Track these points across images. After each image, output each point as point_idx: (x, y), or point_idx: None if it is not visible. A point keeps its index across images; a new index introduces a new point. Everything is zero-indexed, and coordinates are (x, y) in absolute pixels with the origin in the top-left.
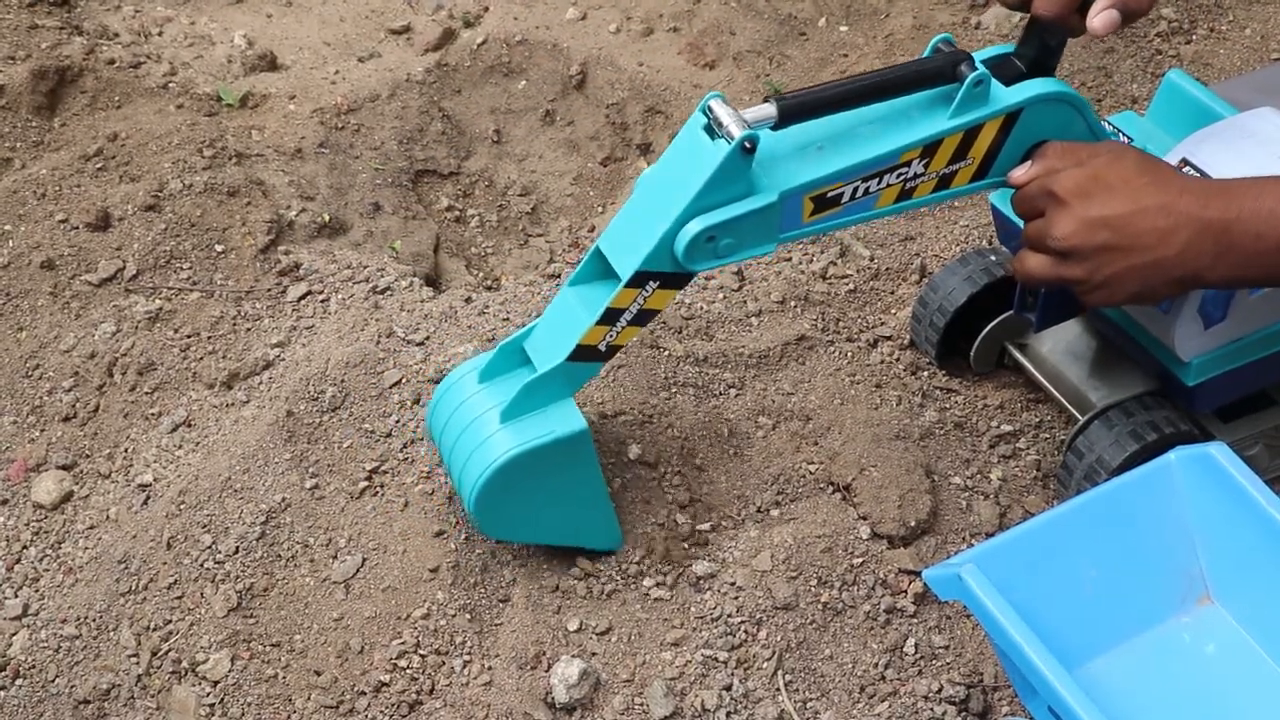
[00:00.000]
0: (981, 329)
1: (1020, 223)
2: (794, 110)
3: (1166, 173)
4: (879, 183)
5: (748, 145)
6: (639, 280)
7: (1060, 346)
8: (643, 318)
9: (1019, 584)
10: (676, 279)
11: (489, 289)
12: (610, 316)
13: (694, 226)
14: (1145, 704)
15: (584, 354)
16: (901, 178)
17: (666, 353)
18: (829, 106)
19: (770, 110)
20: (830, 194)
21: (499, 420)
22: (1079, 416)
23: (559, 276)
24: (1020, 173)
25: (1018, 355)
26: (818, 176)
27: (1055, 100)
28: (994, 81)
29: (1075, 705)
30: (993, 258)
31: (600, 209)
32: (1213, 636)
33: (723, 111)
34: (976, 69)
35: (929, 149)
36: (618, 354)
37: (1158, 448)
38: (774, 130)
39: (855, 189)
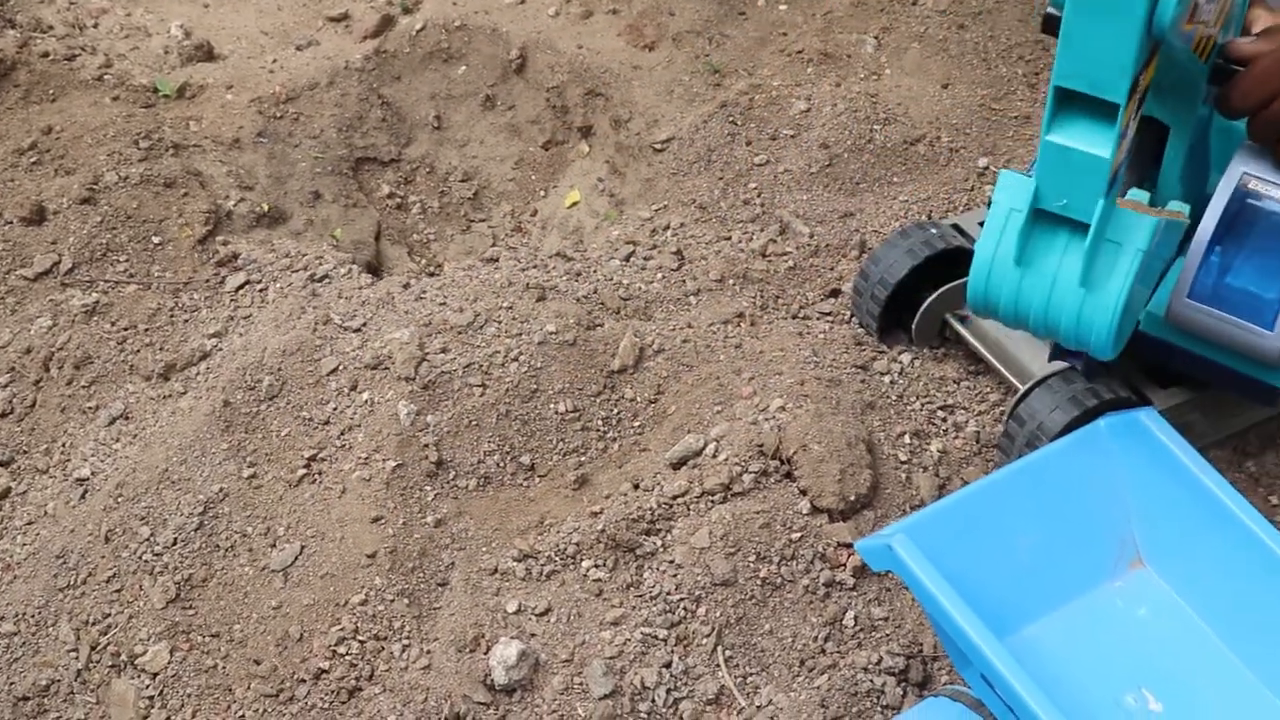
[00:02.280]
0: (922, 302)
1: None
2: None
3: None
4: None
5: None
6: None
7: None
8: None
9: (951, 553)
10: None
11: (431, 275)
12: (1123, 140)
13: None
14: (1079, 669)
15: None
16: None
17: (604, 337)
18: None
19: None
20: None
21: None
22: (1020, 386)
23: (496, 260)
24: (1248, 43)
25: (959, 327)
26: None
27: None
28: None
29: (1006, 672)
30: (933, 230)
31: (542, 192)
32: (1145, 600)
33: None
34: None
35: None
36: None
37: (1098, 414)
38: None
39: None
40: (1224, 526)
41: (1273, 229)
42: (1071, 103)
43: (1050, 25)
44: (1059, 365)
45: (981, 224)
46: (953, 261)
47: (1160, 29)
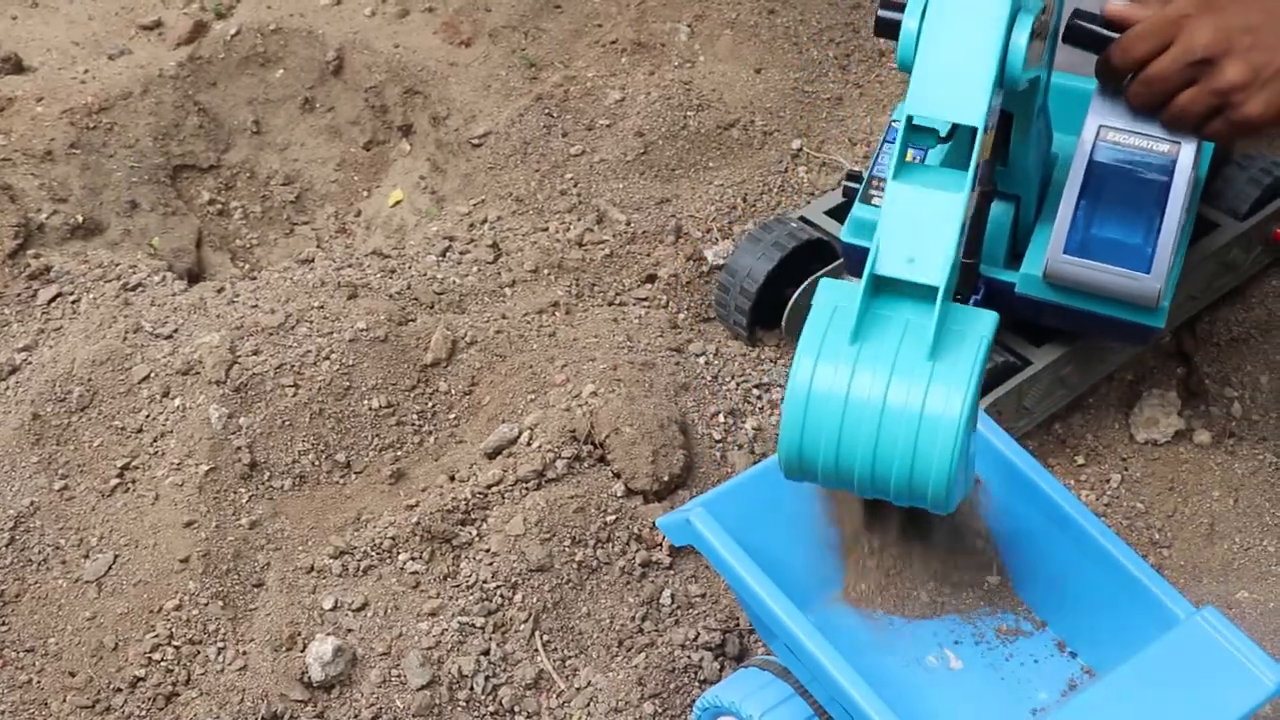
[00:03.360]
0: (787, 298)
1: None
2: None
3: None
4: None
5: None
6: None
7: None
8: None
9: (754, 526)
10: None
11: (250, 279)
12: (976, 175)
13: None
14: (882, 634)
15: (962, 238)
16: None
17: (417, 332)
18: None
19: None
20: None
21: (928, 358)
22: None
23: (311, 261)
24: (1118, 6)
25: None
26: None
27: None
28: None
29: (805, 639)
30: (789, 225)
31: (366, 193)
32: None
33: None
34: None
35: None
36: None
37: (989, 380)
38: None
39: None
40: (1014, 484)
41: (1133, 178)
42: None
43: (884, 28)
44: None
45: (828, 213)
46: (811, 255)
47: (1013, 81)
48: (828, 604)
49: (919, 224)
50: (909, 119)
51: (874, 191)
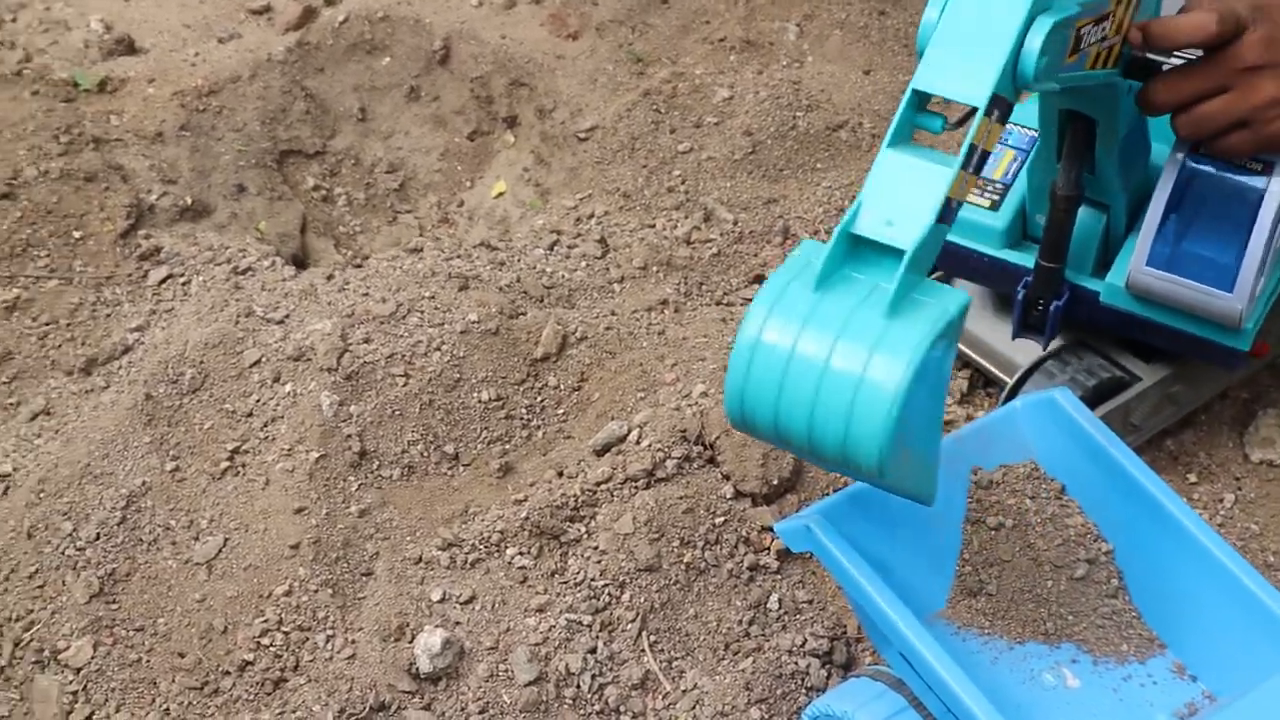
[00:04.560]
0: None
1: None
2: None
3: None
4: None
5: None
6: (995, 105)
7: (972, 313)
8: (981, 163)
9: (869, 533)
10: (1007, 110)
11: (356, 267)
12: (971, 157)
13: (1046, 22)
14: (997, 649)
15: (947, 212)
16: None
17: (527, 326)
18: None
19: None
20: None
21: (885, 317)
22: (1004, 377)
23: (420, 250)
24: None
25: None
26: None
27: None
28: None
29: (925, 651)
30: None
31: (469, 183)
32: None
33: None
34: None
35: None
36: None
37: (1096, 394)
38: None
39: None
40: (1139, 503)
41: (1223, 194)
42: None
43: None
44: (1045, 351)
45: None
46: None
47: (1024, 82)
48: (939, 616)
49: (902, 191)
50: (913, 92)
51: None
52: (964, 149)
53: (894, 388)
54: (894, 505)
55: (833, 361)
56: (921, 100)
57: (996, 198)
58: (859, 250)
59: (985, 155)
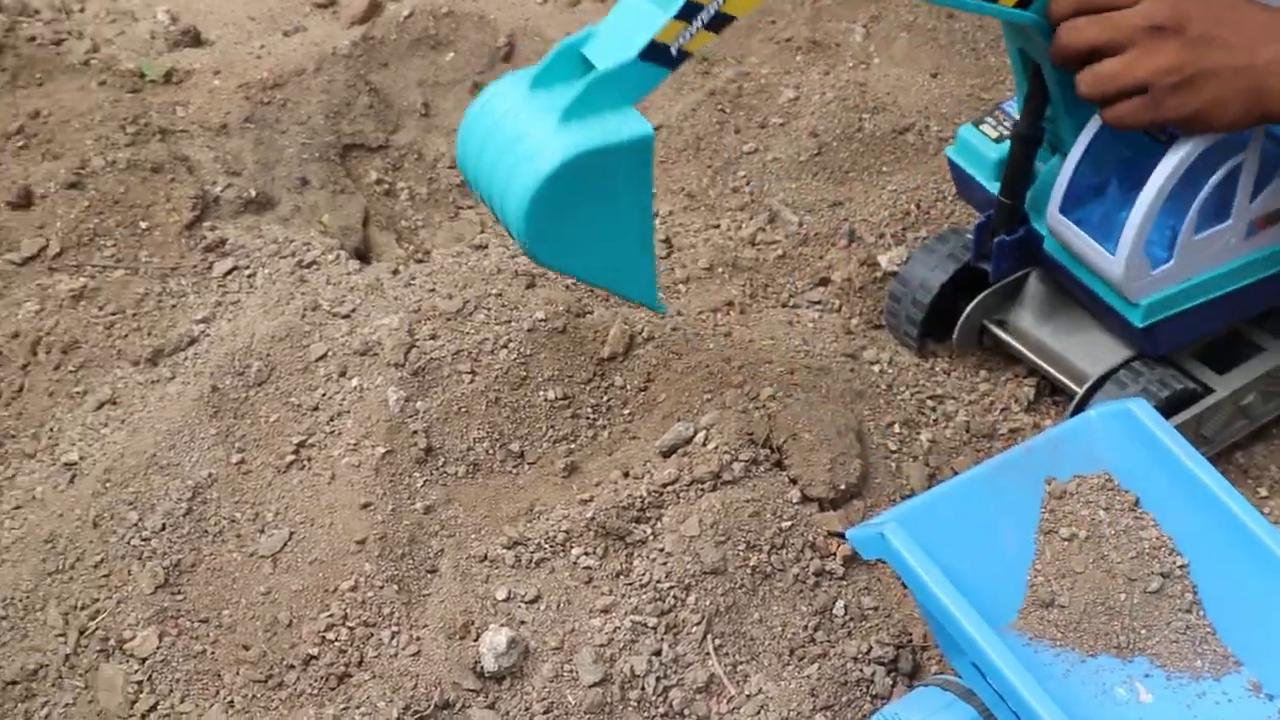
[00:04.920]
0: (959, 311)
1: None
2: None
3: None
4: None
5: None
6: None
7: (1041, 320)
8: (719, 21)
9: (942, 541)
10: None
11: (419, 261)
12: (689, 10)
13: None
14: (1068, 661)
15: (655, 54)
16: None
17: (594, 325)
18: None
19: None
20: None
21: (558, 120)
22: (1073, 386)
23: (485, 247)
24: None
25: (998, 332)
26: None
27: None
28: None
29: (1000, 662)
30: (968, 236)
31: None
32: None
33: None
34: None
35: None
36: (681, 65)
37: (1168, 405)
38: None
39: None
40: (1215, 517)
41: (1136, 149)
42: None
43: None
44: (1116, 361)
45: None
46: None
47: None
48: (1010, 627)
49: (627, 27)
50: None
51: (989, 118)
52: (681, 2)
53: (535, 179)
54: (966, 514)
55: (508, 145)
56: None
57: (1005, 131)
58: (585, 67)
59: (727, 19)
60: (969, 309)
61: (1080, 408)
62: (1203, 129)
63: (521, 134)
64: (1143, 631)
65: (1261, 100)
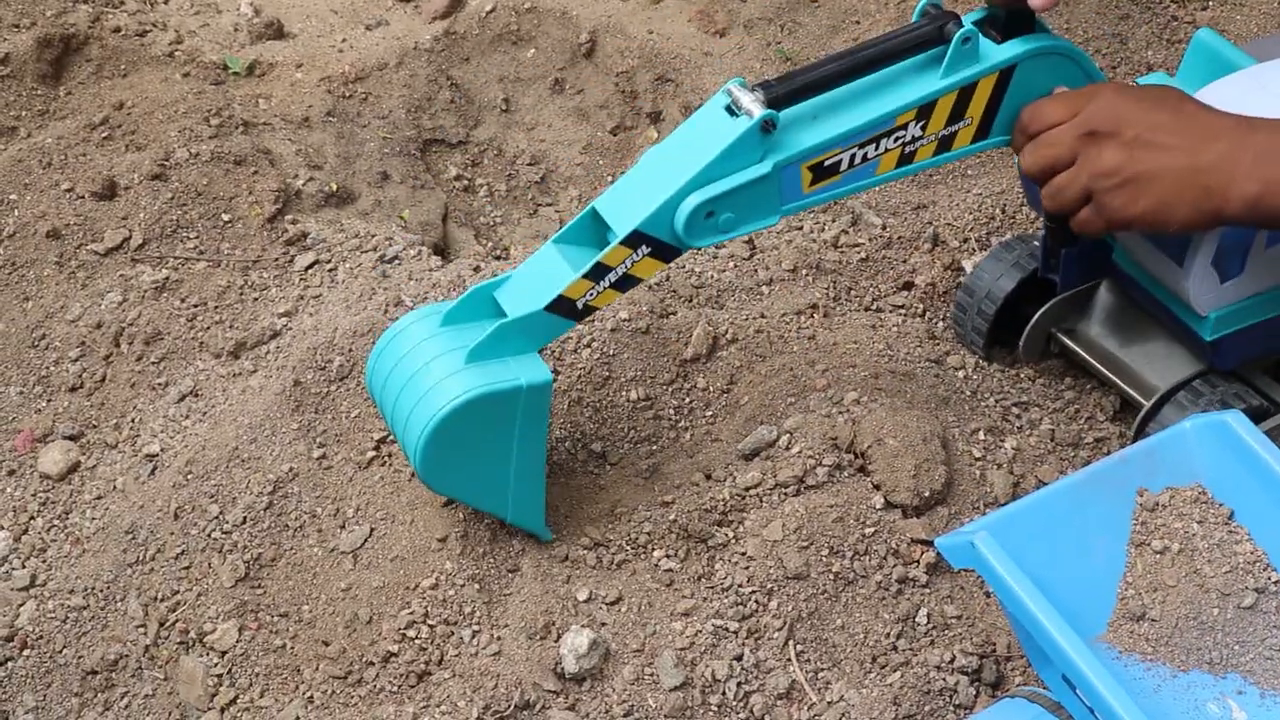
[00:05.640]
0: (1027, 317)
1: None
2: (785, 98)
3: (1191, 100)
4: (876, 148)
5: (768, 124)
6: (635, 240)
7: (1110, 329)
8: (625, 283)
9: (1032, 552)
10: (668, 251)
11: (498, 258)
12: (597, 272)
13: (693, 200)
14: (1161, 680)
15: (562, 306)
16: (899, 141)
17: (677, 325)
18: (820, 87)
19: (759, 98)
20: (827, 162)
21: (463, 360)
22: (1139, 399)
23: None
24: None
25: (1066, 341)
26: (811, 145)
27: (1050, 53)
28: (983, 39)
29: (1093, 676)
30: (1035, 244)
31: (610, 178)
32: None
33: (742, 94)
34: (963, 27)
35: (924, 110)
36: (589, 318)
37: None
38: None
39: (853, 156)
40: None
41: None
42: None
43: None
44: (1183, 375)
45: None
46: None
47: (680, 240)
48: (1100, 640)
49: (540, 276)
50: (592, 208)
51: None
52: (590, 263)
53: (433, 417)
54: (1057, 524)
55: (413, 379)
56: (596, 215)
57: None
58: (496, 310)
59: (634, 280)
60: (1036, 318)
61: (1147, 420)
62: (1159, 230)
63: (426, 369)
64: (1236, 648)
65: (1211, 199)
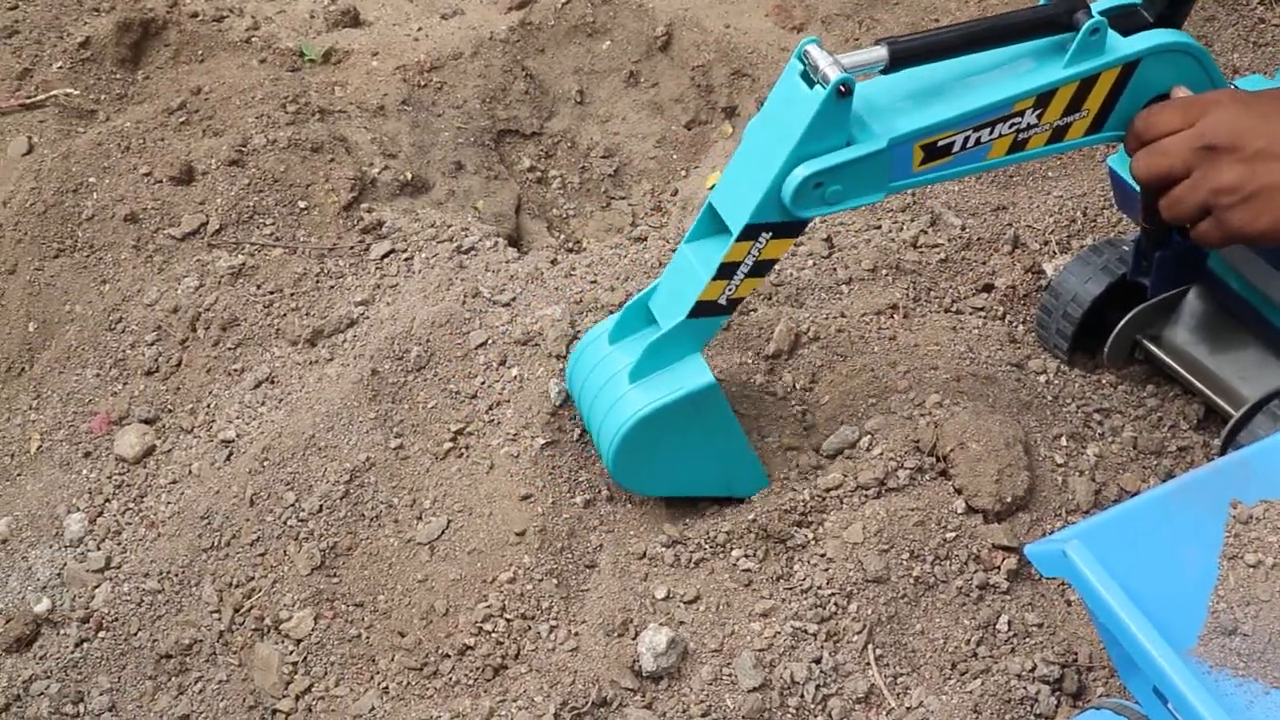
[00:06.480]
0: (1112, 323)
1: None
2: (907, 54)
3: None
4: (991, 133)
5: (843, 89)
6: (750, 233)
7: (1197, 337)
8: (760, 269)
9: (1123, 561)
10: (789, 227)
11: (571, 251)
12: (726, 271)
13: (800, 172)
14: (1252, 696)
15: (705, 309)
16: (1014, 128)
17: (758, 322)
18: (943, 51)
19: (881, 53)
20: (940, 143)
21: (628, 380)
22: (1227, 409)
23: (645, 239)
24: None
25: (1152, 348)
26: (928, 124)
27: (1175, 50)
28: (1111, 31)
29: (1187, 691)
30: (1124, 249)
31: (684, 172)
32: None
33: (819, 56)
34: (1093, 16)
35: (1042, 99)
36: (740, 307)
37: None
38: (885, 74)
39: (966, 138)
40: None
41: None
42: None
43: None
44: (1275, 385)
45: None
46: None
47: (791, 214)
48: (1191, 653)
49: (679, 283)
50: (709, 204)
51: None
52: (716, 265)
53: (615, 438)
54: (1148, 534)
55: (597, 398)
56: (714, 211)
57: None
58: (652, 319)
59: (769, 263)
60: (1122, 323)
61: (1237, 430)
62: None
63: (605, 391)
64: None
65: None
